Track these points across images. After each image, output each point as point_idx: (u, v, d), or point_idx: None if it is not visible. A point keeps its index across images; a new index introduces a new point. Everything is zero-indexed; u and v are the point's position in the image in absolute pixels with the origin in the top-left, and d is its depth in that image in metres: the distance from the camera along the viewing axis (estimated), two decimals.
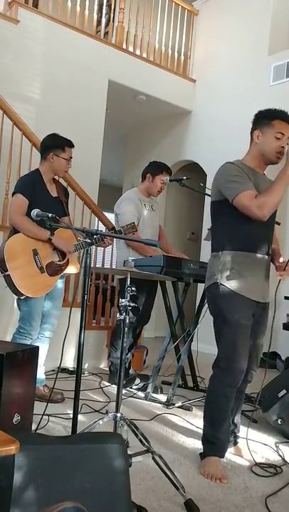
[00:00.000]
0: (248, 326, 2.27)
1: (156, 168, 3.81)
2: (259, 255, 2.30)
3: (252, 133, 2.36)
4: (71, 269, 3.09)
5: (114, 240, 3.60)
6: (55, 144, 3.05)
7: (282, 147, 2.27)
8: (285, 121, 2.29)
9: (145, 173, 3.86)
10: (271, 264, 2.44)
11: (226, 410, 2.25)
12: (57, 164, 3.05)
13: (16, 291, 2.82)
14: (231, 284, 2.25)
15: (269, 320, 2.42)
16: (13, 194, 2.99)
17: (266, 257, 2.35)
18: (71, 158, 3.10)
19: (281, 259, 2.46)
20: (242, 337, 2.25)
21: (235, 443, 2.48)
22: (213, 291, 2.32)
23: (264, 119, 2.31)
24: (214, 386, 2.29)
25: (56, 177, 3.18)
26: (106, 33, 6.08)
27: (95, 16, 5.62)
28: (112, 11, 5.93)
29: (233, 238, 2.30)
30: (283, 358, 5.18)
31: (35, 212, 2.24)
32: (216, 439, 2.24)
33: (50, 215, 2.23)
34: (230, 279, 2.26)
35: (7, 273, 2.78)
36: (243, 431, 2.53)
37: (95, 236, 2.86)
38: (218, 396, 2.26)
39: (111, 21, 5.95)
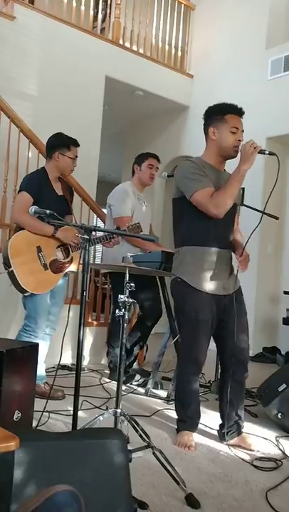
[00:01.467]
0: (207, 320, 2.38)
1: (140, 158, 3.85)
2: (218, 249, 2.38)
3: (206, 130, 2.42)
4: (73, 267, 3.10)
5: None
6: (60, 143, 3.07)
7: (239, 140, 2.34)
8: (236, 115, 2.36)
9: (133, 166, 3.89)
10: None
11: (191, 394, 2.48)
12: (62, 163, 3.07)
13: (19, 287, 2.84)
14: (190, 279, 2.36)
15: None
16: (18, 192, 3.03)
17: (227, 250, 2.43)
18: (76, 157, 3.12)
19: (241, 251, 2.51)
20: (200, 331, 2.38)
21: (240, 433, 2.51)
22: (174, 286, 2.46)
23: (216, 115, 2.38)
24: (179, 376, 2.54)
25: (61, 176, 3.20)
26: (102, 29, 6.06)
27: (92, 12, 5.60)
28: (109, 6, 5.90)
29: (191, 234, 2.39)
30: (283, 352, 5.19)
31: (33, 209, 2.24)
32: (187, 418, 2.49)
33: (48, 211, 2.23)
34: (189, 274, 2.37)
35: (11, 269, 2.80)
36: (244, 426, 2.55)
37: (101, 236, 2.94)
38: (183, 382, 2.49)
39: (107, 17, 5.91)
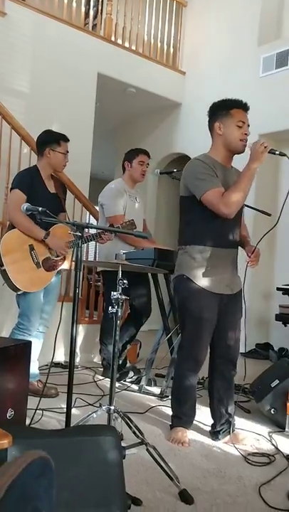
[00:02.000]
0: (210, 319, 2.38)
1: (131, 154, 3.82)
2: (226, 249, 2.39)
3: (212, 126, 2.40)
4: (66, 265, 3.09)
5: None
6: (50, 139, 3.06)
7: (245, 134, 2.33)
8: (241, 109, 2.35)
9: (123, 163, 3.86)
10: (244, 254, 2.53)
11: (188, 391, 2.48)
12: (54, 159, 3.06)
13: (12, 286, 2.84)
14: (196, 279, 2.35)
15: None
16: (10, 190, 3.02)
17: (234, 250, 2.45)
18: (67, 152, 3.11)
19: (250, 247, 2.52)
20: (203, 329, 2.38)
21: (232, 431, 2.51)
22: (178, 283, 2.45)
23: (222, 110, 2.37)
24: (178, 372, 2.52)
25: (54, 173, 3.19)
26: (94, 26, 6.03)
27: (83, 8, 5.57)
28: (100, 3, 5.88)
29: (200, 233, 2.38)
30: (276, 348, 5.22)
31: (25, 206, 2.23)
32: (182, 415, 2.49)
33: (40, 209, 2.22)
34: (196, 273, 2.36)
35: (3, 268, 2.79)
36: (237, 422, 2.56)
37: (92, 233, 2.92)
38: (181, 378, 2.47)
39: (99, 13, 5.89)
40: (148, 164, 3.82)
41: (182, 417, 2.50)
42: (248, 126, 2.36)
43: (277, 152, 2.28)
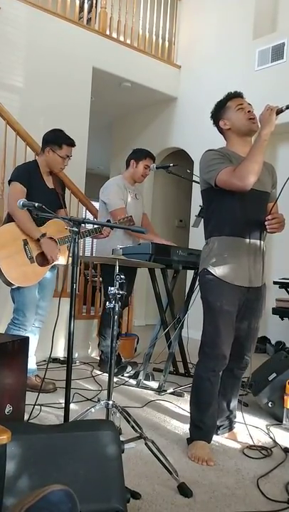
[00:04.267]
0: (231, 312, 2.26)
1: (139, 154, 3.83)
2: (247, 240, 2.26)
3: (219, 127, 2.39)
4: (62, 261, 3.09)
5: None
6: (53, 140, 3.05)
7: (250, 112, 2.31)
8: (236, 97, 2.36)
9: (129, 159, 3.86)
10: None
11: (210, 394, 2.27)
12: (52, 159, 3.06)
13: (5, 280, 2.84)
14: (216, 271, 2.25)
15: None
16: (9, 182, 3.02)
17: (257, 241, 2.29)
18: (68, 156, 3.09)
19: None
20: (225, 323, 2.25)
21: (231, 428, 2.51)
22: (201, 277, 2.34)
23: (220, 108, 2.38)
24: (199, 370, 2.33)
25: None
26: (89, 20, 5.99)
27: (77, 2, 5.53)
28: None
29: (220, 224, 2.29)
30: (273, 342, 5.24)
31: (21, 202, 2.22)
32: (202, 424, 2.27)
33: (36, 204, 2.21)
34: (216, 265, 2.26)
35: None
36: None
37: (92, 228, 2.91)
38: (203, 380, 2.28)
39: (94, 7, 5.85)
40: (150, 169, 3.83)
41: (202, 427, 2.27)
42: (250, 105, 2.34)
43: (284, 108, 2.16)
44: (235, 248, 2.26)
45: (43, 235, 2.90)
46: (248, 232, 2.26)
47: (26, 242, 2.91)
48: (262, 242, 2.31)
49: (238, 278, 2.26)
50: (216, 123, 2.41)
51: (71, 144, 3.08)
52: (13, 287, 2.91)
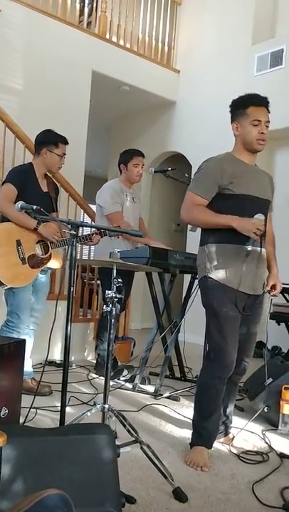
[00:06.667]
0: (236, 317, 2.25)
1: (126, 157, 3.83)
2: (246, 247, 2.24)
3: (232, 126, 2.34)
4: (54, 264, 3.10)
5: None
6: (48, 140, 3.08)
7: (263, 133, 2.25)
8: (259, 106, 2.27)
9: (119, 165, 3.88)
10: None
11: (215, 401, 2.26)
12: (50, 160, 3.08)
13: None
14: (218, 276, 2.24)
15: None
16: (3, 183, 3.03)
17: (257, 249, 2.27)
18: (64, 154, 3.12)
19: (275, 270, 2.41)
20: (230, 329, 2.24)
21: (227, 433, 2.50)
22: (203, 283, 2.32)
23: (239, 108, 2.30)
24: (204, 377, 2.31)
25: (48, 173, 3.20)
26: (89, 23, 6.00)
27: (78, 6, 5.55)
28: (95, 0, 5.85)
29: (216, 231, 2.27)
30: (269, 347, 5.24)
31: (19, 204, 2.22)
32: (204, 430, 2.26)
33: (34, 207, 2.22)
34: (217, 271, 2.25)
35: None
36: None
37: (81, 235, 2.91)
38: (208, 387, 2.26)
39: (94, 11, 5.87)
40: (143, 164, 3.83)
41: (203, 433, 2.26)
42: (268, 121, 2.27)
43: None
44: (234, 255, 2.24)
45: (39, 222, 2.91)
46: (245, 239, 2.22)
47: (19, 243, 2.91)
48: (262, 249, 2.30)
49: (240, 284, 2.24)
50: (231, 120, 2.34)
51: (66, 141, 3.12)
52: (5, 288, 2.91)
